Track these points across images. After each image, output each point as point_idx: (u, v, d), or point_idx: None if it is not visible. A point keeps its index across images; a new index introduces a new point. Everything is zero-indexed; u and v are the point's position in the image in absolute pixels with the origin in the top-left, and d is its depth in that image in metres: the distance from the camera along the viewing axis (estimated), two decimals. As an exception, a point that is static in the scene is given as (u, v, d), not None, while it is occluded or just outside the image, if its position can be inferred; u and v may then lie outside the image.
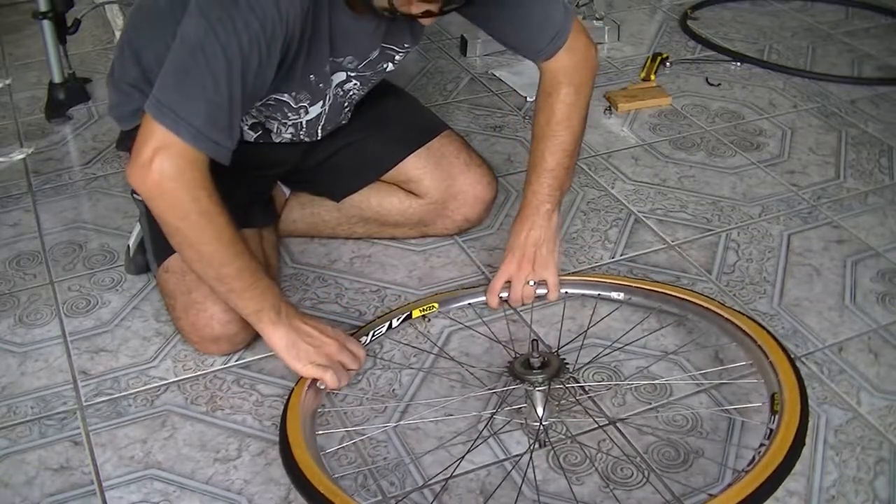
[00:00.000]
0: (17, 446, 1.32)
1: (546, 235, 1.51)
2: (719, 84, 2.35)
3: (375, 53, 1.44)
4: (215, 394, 1.41)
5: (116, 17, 2.45)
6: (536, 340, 1.34)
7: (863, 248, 1.74)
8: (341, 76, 1.44)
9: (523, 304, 1.54)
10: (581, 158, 2.02)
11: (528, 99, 2.26)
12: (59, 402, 1.40)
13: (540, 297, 1.54)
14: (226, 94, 1.19)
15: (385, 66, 1.49)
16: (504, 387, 1.39)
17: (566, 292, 1.54)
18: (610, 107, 2.23)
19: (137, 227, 1.61)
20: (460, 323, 1.54)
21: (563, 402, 1.37)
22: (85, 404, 1.39)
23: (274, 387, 1.41)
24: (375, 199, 1.68)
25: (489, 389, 1.40)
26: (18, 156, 2.03)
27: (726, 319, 1.41)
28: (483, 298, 1.55)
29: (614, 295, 1.54)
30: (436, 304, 1.53)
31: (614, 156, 2.04)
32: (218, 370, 1.45)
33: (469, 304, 1.57)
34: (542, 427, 1.29)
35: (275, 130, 1.49)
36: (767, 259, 1.70)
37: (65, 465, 1.29)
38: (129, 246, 1.64)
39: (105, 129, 2.11)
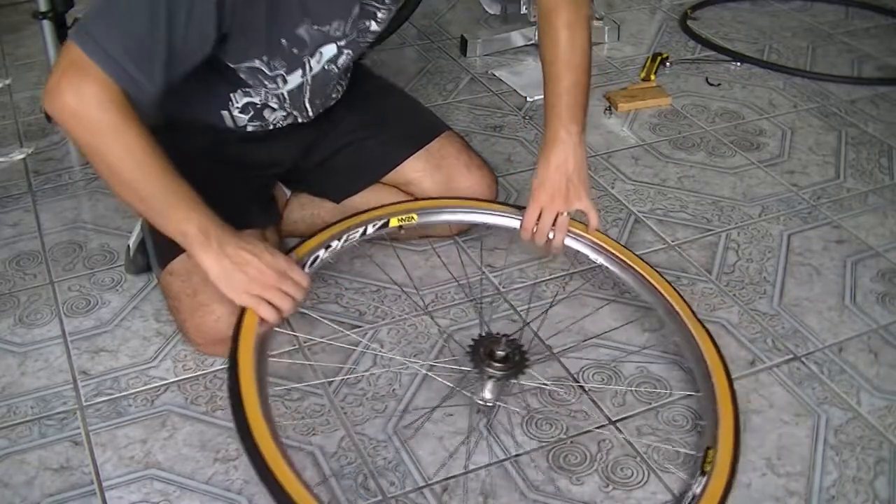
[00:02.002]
0: (17, 446, 1.32)
1: (576, 163, 1.46)
2: (719, 84, 2.35)
3: (356, 10, 1.40)
4: (215, 394, 1.40)
5: (116, 17, 2.45)
6: (507, 335, 1.34)
7: (863, 248, 1.74)
8: (332, 50, 1.42)
9: (555, 237, 1.50)
10: (581, 158, 2.02)
11: (528, 99, 2.26)
12: (59, 402, 1.40)
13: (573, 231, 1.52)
14: (146, 26, 1.17)
15: (368, 23, 1.45)
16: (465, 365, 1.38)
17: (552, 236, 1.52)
18: (610, 107, 2.23)
19: (138, 227, 1.61)
20: (460, 322, 1.54)
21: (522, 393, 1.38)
22: (85, 404, 1.39)
23: (273, 386, 1.41)
24: (375, 201, 1.67)
25: (451, 360, 1.39)
26: (18, 156, 2.03)
27: (696, 343, 1.36)
28: (460, 218, 1.58)
29: (592, 256, 1.52)
30: (415, 216, 1.51)
31: (614, 156, 2.04)
32: (218, 370, 1.45)
33: (448, 219, 1.58)
34: (487, 407, 1.32)
35: (261, 99, 1.47)
36: (767, 259, 1.71)
37: (65, 465, 1.29)
38: (129, 246, 1.64)
39: (105, 129, 2.11)
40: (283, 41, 1.35)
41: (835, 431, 1.35)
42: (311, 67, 1.43)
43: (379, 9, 1.44)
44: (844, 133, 2.13)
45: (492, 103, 2.25)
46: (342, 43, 1.43)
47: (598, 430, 1.34)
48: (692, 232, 1.78)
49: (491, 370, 1.30)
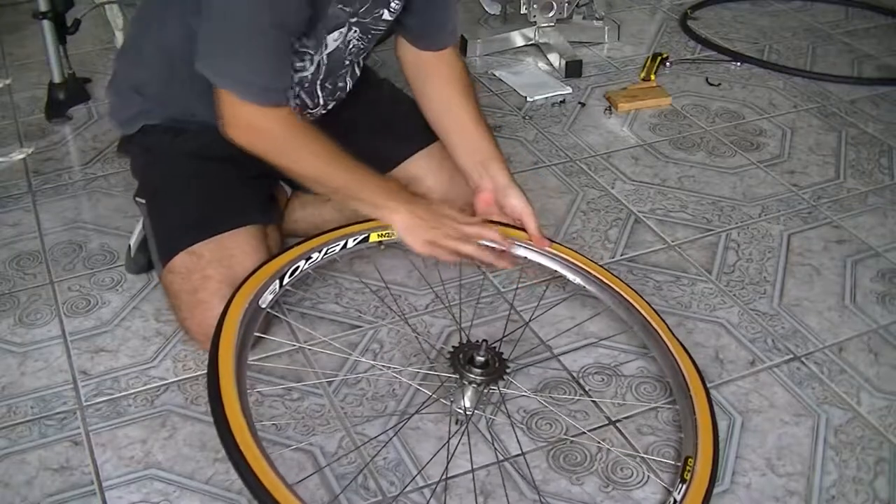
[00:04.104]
0: (17, 446, 1.32)
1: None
2: (719, 84, 2.35)
3: None
4: (215, 394, 1.40)
5: (116, 17, 2.44)
6: (486, 340, 1.33)
7: (863, 248, 1.74)
8: (345, 30, 1.46)
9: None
10: (581, 158, 2.02)
11: (528, 99, 2.26)
12: (59, 402, 1.40)
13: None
14: (265, 50, 1.31)
15: (381, 12, 1.48)
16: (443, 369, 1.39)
17: (525, 258, 1.52)
18: (610, 107, 2.23)
19: (139, 227, 1.61)
20: (457, 323, 1.54)
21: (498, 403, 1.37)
22: (85, 404, 1.39)
23: (274, 387, 1.41)
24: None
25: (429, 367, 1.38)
26: (18, 156, 2.03)
27: (674, 358, 1.36)
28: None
29: (570, 276, 1.52)
30: (396, 232, 1.52)
31: (614, 156, 2.04)
32: (218, 370, 1.45)
33: None
34: (466, 416, 1.31)
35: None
36: (767, 259, 1.71)
37: (65, 465, 1.29)
38: (129, 245, 1.64)
39: (105, 129, 2.10)
40: (320, 25, 1.40)
41: (835, 431, 1.35)
42: (327, 45, 1.46)
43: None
44: (844, 133, 2.13)
45: (492, 103, 2.25)
46: (353, 21, 1.46)
47: (598, 430, 1.34)
48: (692, 232, 1.78)
49: (470, 376, 1.30)
